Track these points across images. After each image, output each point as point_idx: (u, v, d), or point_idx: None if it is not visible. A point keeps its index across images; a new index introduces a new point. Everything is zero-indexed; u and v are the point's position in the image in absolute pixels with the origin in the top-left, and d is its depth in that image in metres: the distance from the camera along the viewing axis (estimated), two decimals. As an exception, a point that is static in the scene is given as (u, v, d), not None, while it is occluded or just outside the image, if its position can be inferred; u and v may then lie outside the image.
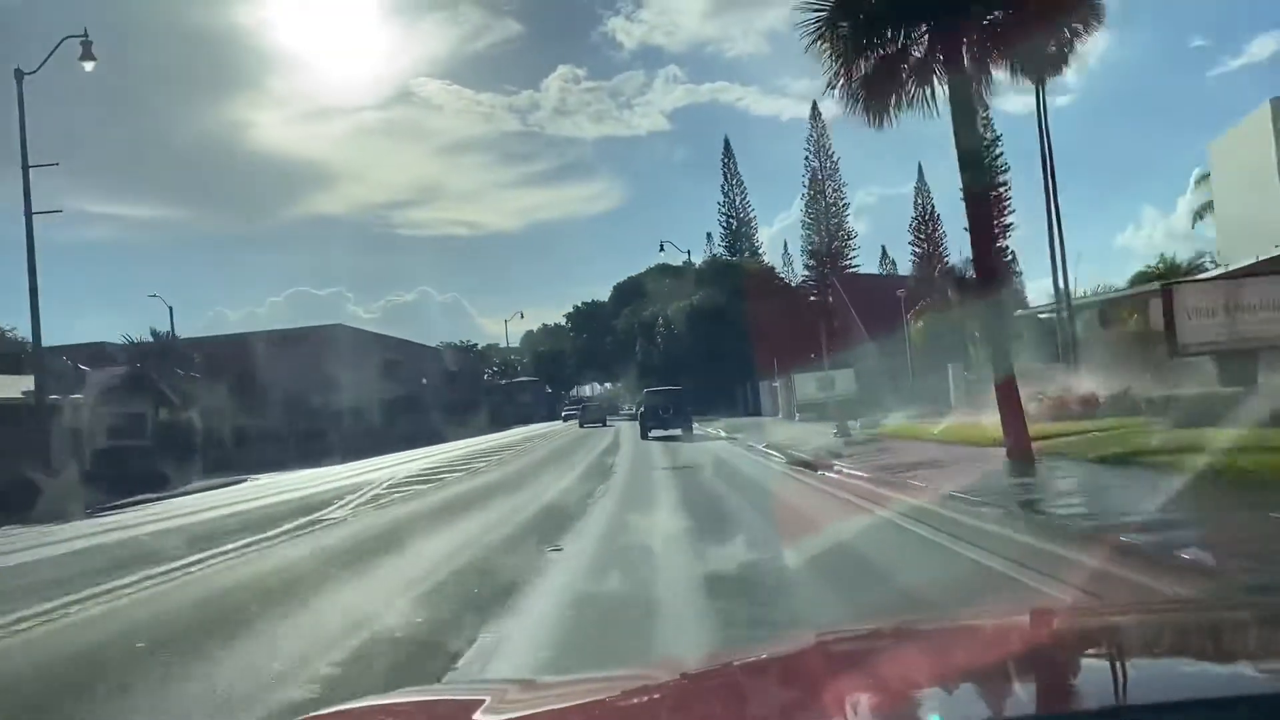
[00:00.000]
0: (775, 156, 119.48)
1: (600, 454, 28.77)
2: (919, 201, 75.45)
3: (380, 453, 38.81)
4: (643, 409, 40.23)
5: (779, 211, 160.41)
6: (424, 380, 60.33)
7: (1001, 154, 68.12)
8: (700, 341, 56.66)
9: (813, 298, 64.83)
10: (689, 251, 67.44)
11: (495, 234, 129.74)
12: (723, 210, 77.29)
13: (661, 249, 63.51)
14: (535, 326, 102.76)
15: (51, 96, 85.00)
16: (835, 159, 73.16)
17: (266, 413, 45.05)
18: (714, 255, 71.91)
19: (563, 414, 73.91)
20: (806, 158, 72.74)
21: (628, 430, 43.51)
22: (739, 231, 77.01)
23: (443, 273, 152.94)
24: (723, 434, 34.73)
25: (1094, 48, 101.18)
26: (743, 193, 77.71)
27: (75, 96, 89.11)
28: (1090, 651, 2.09)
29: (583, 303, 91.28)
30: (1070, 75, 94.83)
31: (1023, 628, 2.39)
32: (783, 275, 71.38)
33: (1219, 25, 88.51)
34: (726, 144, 77.93)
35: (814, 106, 74.85)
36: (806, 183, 72.54)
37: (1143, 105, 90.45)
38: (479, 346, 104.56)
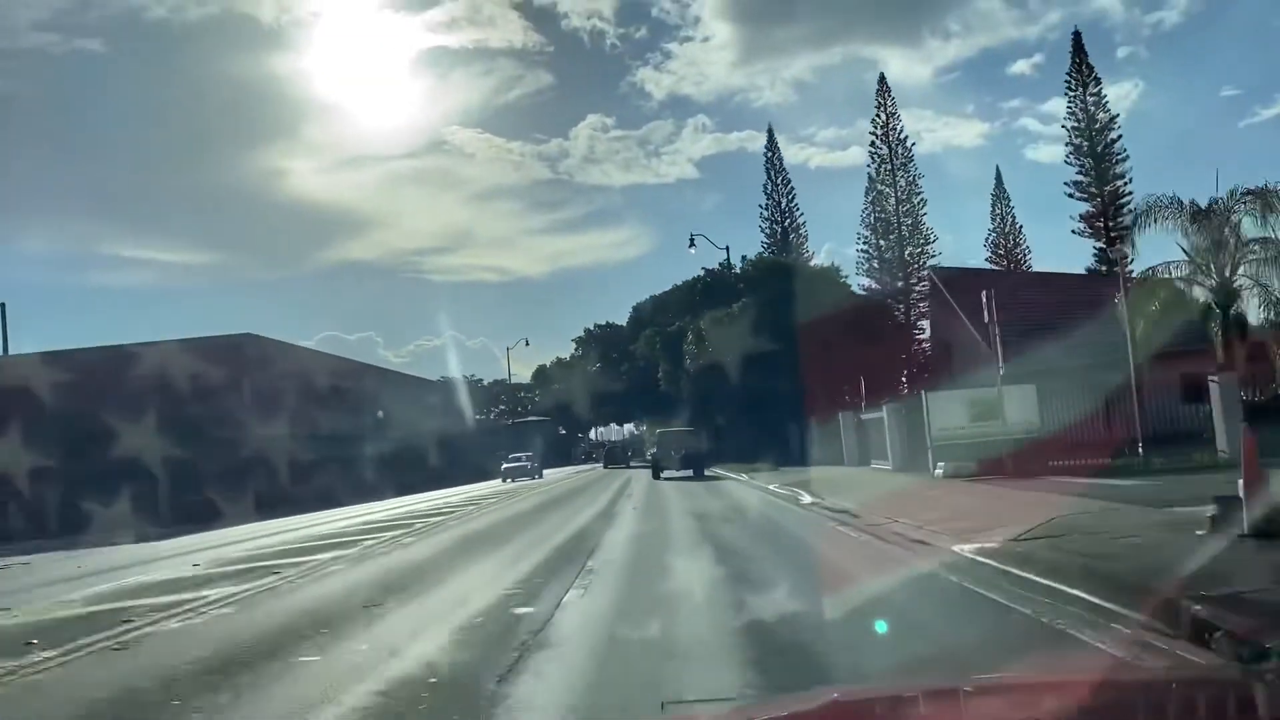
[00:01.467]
0: (804, 204, 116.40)
1: (545, 566, 14.05)
2: (997, 211, 62.70)
3: (250, 518, 26.06)
4: (655, 450, 37.96)
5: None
6: (380, 414, 46.70)
7: (1120, 137, 55.66)
8: (743, 364, 41.90)
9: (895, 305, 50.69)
10: (727, 249, 53.29)
11: (524, 279, 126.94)
12: (765, 215, 63.81)
13: (692, 244, 48.96)
14: (549, 361, 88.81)
15: (91, 144, 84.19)
16: (909, 144, 59.86)
17: (138, 453, 31.86)
18: (760, 255, 57.56)
19: (503, 469, 48.15)
20: (873, 142, 59.42)
21: (640, 484, 30.07)
22: (785, 238, 63.30)
23: (472, 318, 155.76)
24: (826, 503, 16.99)
25: (1124, 95, 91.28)
26: (790, 194, 64.30)
27: (114, 144, 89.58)
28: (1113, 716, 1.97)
29: (595, 325, 76.96)
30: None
31: (1044, 690, 2.29)
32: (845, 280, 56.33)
33: (1250, 75, 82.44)
34: (770, 134, 64.90)
35: (881, 79, 61.77)
36: (873, 172, 59.23)
37: (1173, 153, 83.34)
38: (484, 381, 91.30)
